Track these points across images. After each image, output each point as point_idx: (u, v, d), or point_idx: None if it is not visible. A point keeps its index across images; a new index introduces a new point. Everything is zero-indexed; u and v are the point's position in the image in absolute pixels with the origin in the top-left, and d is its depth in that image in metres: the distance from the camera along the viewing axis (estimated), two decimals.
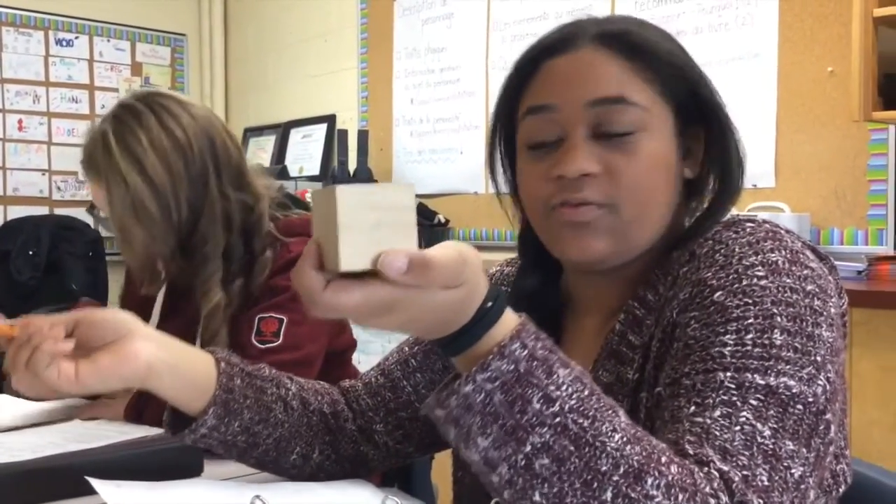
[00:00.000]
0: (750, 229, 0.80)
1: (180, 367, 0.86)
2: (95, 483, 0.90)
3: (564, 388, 0.61)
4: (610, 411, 0.63)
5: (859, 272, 2.25)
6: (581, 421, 0.61)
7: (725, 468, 0.63)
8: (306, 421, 0.97)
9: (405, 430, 1.00)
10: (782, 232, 0.80)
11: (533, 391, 0.60)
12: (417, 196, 3.81)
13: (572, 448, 0.60)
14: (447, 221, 3.65)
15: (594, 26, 0.85)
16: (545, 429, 0.60)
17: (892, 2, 2.25)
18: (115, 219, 1.28)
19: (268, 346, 1.27)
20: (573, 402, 0.61)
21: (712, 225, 0.83)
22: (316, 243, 0.60)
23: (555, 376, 0.61)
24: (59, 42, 4.59)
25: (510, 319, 0.64)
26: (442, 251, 0.59)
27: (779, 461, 0.65)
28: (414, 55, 3.88)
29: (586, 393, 0.62)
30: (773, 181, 2.67)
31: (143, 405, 1.31)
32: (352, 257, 0.57)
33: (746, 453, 0.64)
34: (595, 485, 0.59)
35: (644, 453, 0.61)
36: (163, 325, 1.44)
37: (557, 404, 0.60)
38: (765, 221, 0.82)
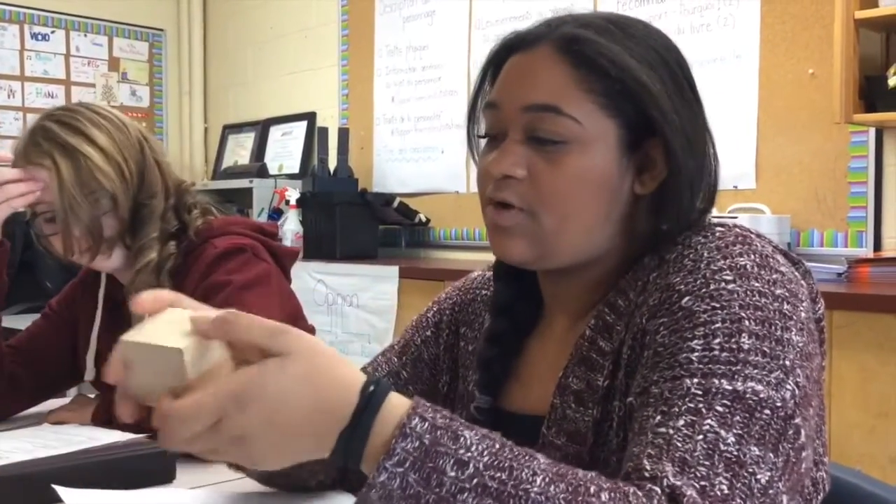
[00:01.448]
0: (719, 234, 0.79)
1: None
2: (62, 491, 0.88)
3: (474, 447, 0.60)
4: (527, 457, 0.61)
5: (839, 274, 2.25)
6: (499, 475, 0.59)
7: (678, 483, 0.62)
8: None
9: None
10: (752, 236, 0.79)
11: (444, 460, 0.59)
12: (399, 195, 3.81)
13: None
14: (428, 221, 3.63)
15: (565, 25, 0.83)
16: (465, 494, 0.58)
17: (872, 4, 2.26)
18: (64, 196, 1.30)
19: None
20: (486, 458, 0.60)
21: (680, 231, 0.81)
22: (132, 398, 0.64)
23: (462, 439, 0.60)
24: (34, 36, 4.53)
25: (400, 401, 0.62)
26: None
27: (742, 467, 0.63)
28: (395, 53, 3.86)
29: (497, 446, 0.61)
30: (754, 183, 2.67)
31: (113, 409, 1.28)
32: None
33: (707, 463, 0.63)
34: None
35: (570, 489, 0.60)
36: (105, 345, 1.42)
37: (471, 465, 0.59)
38: (735, 225, 0.81)
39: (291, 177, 4.14)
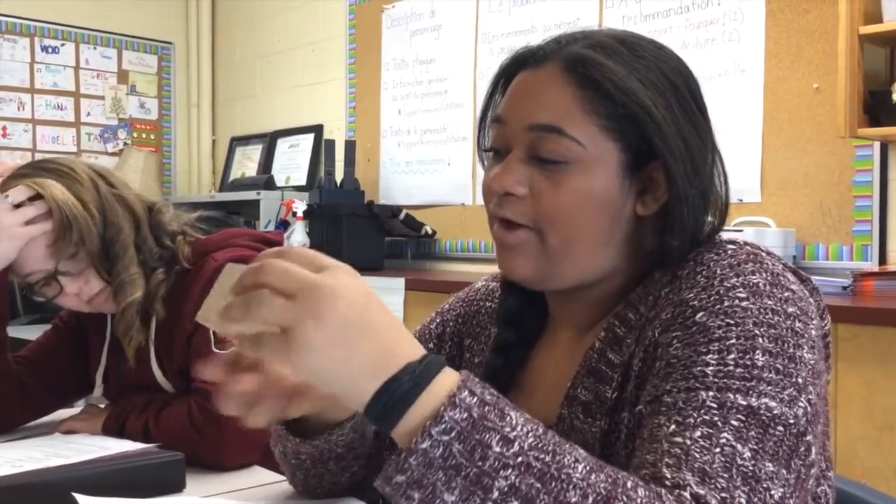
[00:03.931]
0: (731, 251, 0.80)
1: None
2: (82, 500, 0.89)
3: (520, 427, 0.61)
4: (568, 445, 0.62)
5: (844, 288, 2.26)
6: (543, 457, 0.60)
7: (702, 492, 0.63)
8: (369, 444, 0.94)
9: None
10: (763, 254, 0.80)
11: (490, 435, 0.59)
12: (405, 207, 3.81)
13: (539, 485, 0.59)
14: (434, 233, 3.64)
15: (574, 44, 0.84)
16: (509, 470, 0.59)
17: (877, 19, 2.27)
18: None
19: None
20: (531, 439, 0.60)
21: (691, 247, 0.82)
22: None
23: (508, 418, 0.61)
24: (44, 49, 4.57)
25: (452, 373, 0.63)
26: None
27: (758, 482, 0.65)
28: (402, 66, 3.88)
29: (541, 430, 0.62)
30: (759, 196, 2.68)
31: (124, 419, 1.29)
32: None
33: (725, 475, 0.64)
34: None
35: (609, 480, 0.61)
36: (114, 361, 1.44)
37: (517, 444, 0.60)
38: (746, 243, 0.82)
39: (298, 189, 4.16)
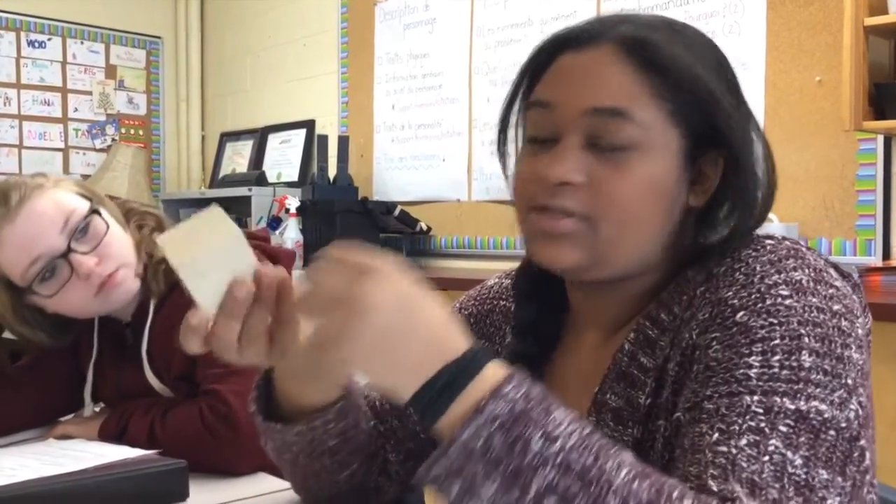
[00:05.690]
0: (770, 247, 0.76)
1: None
2: None
3: (564, 426, 0.59)
4: (614, 449, 0.60)
5: None
6: (585, 458, 0.58)
7: None
8: (365, 438, 0.89)
9: (417, 463, 0.93)
10: (804, 250, 0.76)
11: (533, 430, 0.58)
12: (400, 203, 3.77)
13: (578, 486, 0.57)
14: (429, 229, 3.60)
15: (622, 25, 0.79)
16: (548, 469, 0.57)
17: (882, 11, 2.24)
18: None
19: None
20: (575, 439, 0.59)
21: (729, 247, 0.78)
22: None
23: (553, 415, 0.59)
24: (31, 43, 4.49)
25: (499, 367, 0.63)
26: None
27: (812, 492, 0.61)
28: (396, 60, 3.83)
29: (587, 431, 0.60)
30: None
31: (126, 420, 1.25)
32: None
33: (777, 486, 0.60)
34: None
35: (654, 489, 0.58)
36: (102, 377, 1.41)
37: (559, 442, 0.58)
38: (784, 238, 0.78)
39: (290, 185, 4.11)
